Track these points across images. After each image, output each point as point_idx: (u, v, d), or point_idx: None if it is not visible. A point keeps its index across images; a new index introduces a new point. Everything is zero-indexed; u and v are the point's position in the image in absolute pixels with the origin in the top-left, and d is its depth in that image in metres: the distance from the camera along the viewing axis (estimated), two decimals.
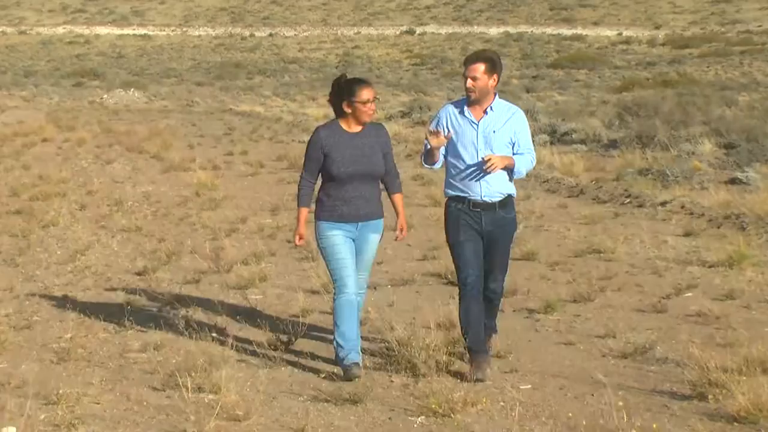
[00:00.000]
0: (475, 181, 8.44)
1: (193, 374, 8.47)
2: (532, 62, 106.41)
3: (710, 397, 8.12)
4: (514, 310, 11.21)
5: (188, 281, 12.87)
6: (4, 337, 9.90)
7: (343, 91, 8.53)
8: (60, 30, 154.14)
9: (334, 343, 8.65)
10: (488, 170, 8.26)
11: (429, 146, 8.49)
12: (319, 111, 47.17)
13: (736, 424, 7.54)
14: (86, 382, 8.65)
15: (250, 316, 11.07)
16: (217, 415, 7.58)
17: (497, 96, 8.54)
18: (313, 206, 8.91)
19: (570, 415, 7.83)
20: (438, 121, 8.64)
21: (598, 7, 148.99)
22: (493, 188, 8.47)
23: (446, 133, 8.36)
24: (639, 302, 11.70)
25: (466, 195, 8.52)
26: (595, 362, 9.27)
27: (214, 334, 10.24)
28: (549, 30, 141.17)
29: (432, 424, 7.46)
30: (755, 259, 13.44)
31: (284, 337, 9.86)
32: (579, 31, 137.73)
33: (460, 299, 8.73)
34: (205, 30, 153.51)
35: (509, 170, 8.53)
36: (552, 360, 9.42)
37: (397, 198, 8.97)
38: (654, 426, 7.37)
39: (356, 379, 8.40)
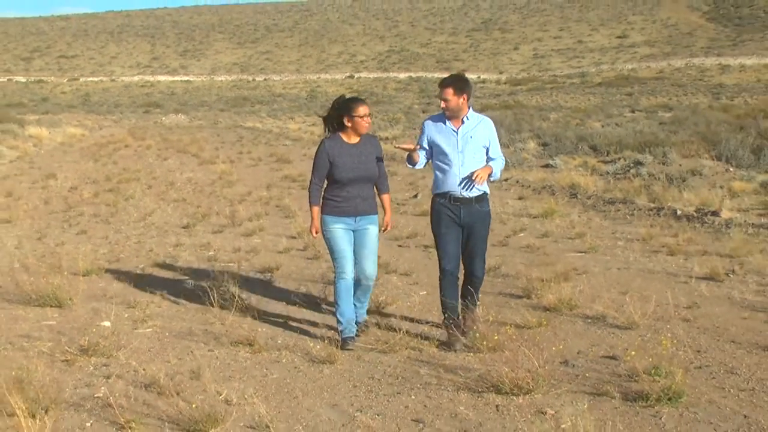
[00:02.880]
0: (456, 180, 6.76)
1: (218, 288, 8.42)
2: (425, 94, 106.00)
3: (533, 296, 8.22)
4: (416, 246, 11.21)
5: (215, 232, 12.74)
6: (102, 267, 9.87)
7: (343, 109, 6.89)
8: (135, 78, 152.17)
9: (336, 317, 6.92)
10: (478, 183, 6.69)
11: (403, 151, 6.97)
12: (296, 125, 46.88)
13: (547, 312, 7.64)
14: (152, 293, 8.59)
15: (253, 252, 11.01)
16: (233, 312, 7.55)
17: (471, 109, 6.92)
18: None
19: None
20: (423, 133, 7.02)
21: (465, 60, 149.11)
22: (470, 187, 6.78)
23: (416, 146, 6.89)
24: (491, 240, 11.69)
25: (448, 191, 6.82)
26: None
27: (230, 264, 10.19)
28: (436, 75, 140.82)
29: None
30: (561, 212, 13.59)
31: (274, 265, 9.81)
32: None
33: (440, 282, 6.99)
34: (224, 77, 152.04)
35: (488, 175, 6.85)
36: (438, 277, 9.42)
37: (386, 198, 7.23)
38: (491, 315, 7.42)
39: (349, 349, 6.71)
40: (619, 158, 21.40)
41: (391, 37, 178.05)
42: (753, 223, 11.86)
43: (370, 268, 6.98)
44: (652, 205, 13.86)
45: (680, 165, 19.21)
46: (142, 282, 9.23)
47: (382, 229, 7.19)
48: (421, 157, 6.93)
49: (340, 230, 6.88)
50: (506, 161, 7.09)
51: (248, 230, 12.64)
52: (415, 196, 16.08)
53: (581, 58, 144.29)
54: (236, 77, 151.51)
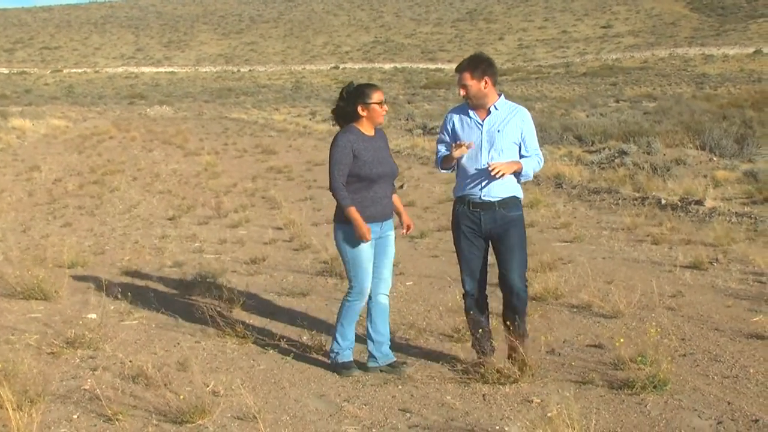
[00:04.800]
0: (478, 181, 5.63)
1: (204, 279, 8.42)
2: (411, 85, 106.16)
3: None
4: (402, 237, 11.20)
5: (200, 223, 12.71)
6: (87, 259, 9.83)
7: (357, 96, 5.76)
8: (119, 69, 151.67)
9: (334, 336, 5.94)
10: (495, 176, 5.45)
11: (443, 153, 5.80)
12: (281, 117, 46.84)
13: (533, 301, 7.49)
14: (138, 286, 8.56)
15: (239, 244, 10.99)
16: (219, 304, 7.54)
17: (502, 96, 5.72)
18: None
19: (433, 301, 7.89)
20: (445, 128, 5.84)
21: (450, 51, 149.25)
22: (493, 189, 5.60)
23: (467, 143, 5.54)
24: None
25: (467, 195, 5.70)
26: (451, 267, 9.24)
27: (217, 255, 10.17)
28: (421, 65, 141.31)
29: None
30: (546, 202, 13.62)
31: (260, 256, 9.80)
32: (439, 66, 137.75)
33: (463, 303, 5.95)
34: (209, 68, 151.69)
35: (517, 174, 5.66)
36: (425, 266, 9.44)
37: (396, 198, 6.13)
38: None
39: (350, 375, 5.85)
40: (604, 148, 21.45)
41: (376, 27, 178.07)
42: (736, 212, 11.93)
43: (390, 280, 6.06)
44: (637, 194, 13.92)
45: (664, 154, 19.29)
46: (128, 274, 9.20)
47: (404, 230, 6.21)
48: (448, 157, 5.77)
49: (367, 242, 5.77)
50: (543, 160, 5.93)
51: (234, 222, 12.62)
52: (401, 186, 16.09)
53: (566, 48, 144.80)
54: (221, 68, 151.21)
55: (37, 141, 30.95)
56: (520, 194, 5.77)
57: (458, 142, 5.62)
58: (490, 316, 6.09)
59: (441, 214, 12.96)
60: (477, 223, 5.69)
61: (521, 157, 5.68)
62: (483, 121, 5.65)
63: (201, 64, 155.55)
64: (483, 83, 5.57)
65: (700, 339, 6.49)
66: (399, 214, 6.15)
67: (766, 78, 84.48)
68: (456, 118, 5.80)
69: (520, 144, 5.68)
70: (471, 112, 5.71)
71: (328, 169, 5.78)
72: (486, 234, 5.71)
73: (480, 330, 5.74)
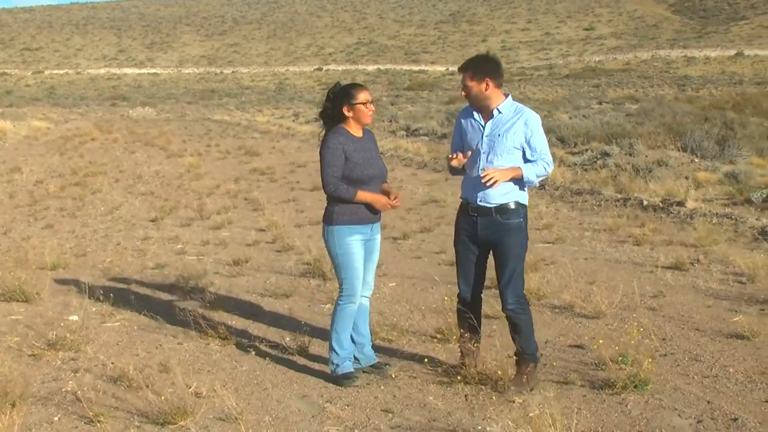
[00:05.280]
0: (476, 186, 5.41)
1: (187, 281, 8.41)
2: (394, 87, 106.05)
3: None
4: (385, 238, 11.20)
5: (183, 225, 12.68)
6: (69, 261, 9.79)
7: (341, 97, 5.67)
8: (102, 71, 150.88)
9: (331, 347, 5.76)
10: (487, 184, 5.26)
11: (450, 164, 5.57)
12: (264, 118, 46.74)
13: None
14: (120, 287, 8.54)
15: (222, 245, 10.97)
16: (202, 305, 7.54)
17: (509, 97, 5.47)
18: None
19: (416, 302, 7.91)
20: (455, 131, 5.72)
21: (434, 53, 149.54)
22: (491, 194, 5.38)
23: (465, 153, 5.43)
24: None
25: (467, 199, 5.59)
26: (434, 268, 9.33)
27: (199, 256, 10.15)
28: (405, 67, 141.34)
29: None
30: (528, 203, 13.56)
31: (243, 257, 9.78)
32: (423, 67, 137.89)
33: (457, 301, 5.86)
34: (192, 69, 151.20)
35: (518, 180, 5.41)
36: (408, 267, 9.45)
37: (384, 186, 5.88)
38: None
39: (351, 386, 5.66)
40: (587, 149, 21.51)
41: (360, 29, 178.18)
42: (717, 213, 12.02)
43: (372, 282, 6.00)
44: (619, 195, 14.00)
45: (646, 156, 19.39)
46: (109, 276, 9.17)
47: (392, 200, 5.77)
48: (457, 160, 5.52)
49: (357, 243, 5.68)
50: (552, 166, 5.57)
51: (217, 223, 12.60)
52: None
53: (549, 50, 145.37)
54: (204, 70, 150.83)
55: (18, 142, 30.75)
56: (522, 200, 5.52)
57: (455, 153, 5.49)
58: (491, 319, 6.10)
59: (424, 215, 12.99)
60: (473, 227, 5.54)
61: (526, 161, 5.43)
62: (485, 124, 5.45)
63: (184, 66, 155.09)
64: (484, 85, 5.38)
65: (681, 339, 6.55)
66: (387, 192, 5.82)
67: (747, 80, 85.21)
68: (462, 120, 5.63)
69: (523, 148, 5.42)
70: (475, 114, 5.53)
71: (320, 172, 5.65)
72: (482, 240, 5.53)
73: (467, 331, 5.67)
